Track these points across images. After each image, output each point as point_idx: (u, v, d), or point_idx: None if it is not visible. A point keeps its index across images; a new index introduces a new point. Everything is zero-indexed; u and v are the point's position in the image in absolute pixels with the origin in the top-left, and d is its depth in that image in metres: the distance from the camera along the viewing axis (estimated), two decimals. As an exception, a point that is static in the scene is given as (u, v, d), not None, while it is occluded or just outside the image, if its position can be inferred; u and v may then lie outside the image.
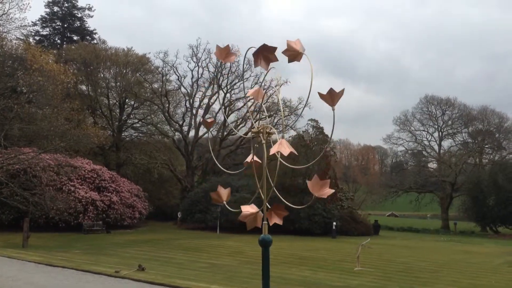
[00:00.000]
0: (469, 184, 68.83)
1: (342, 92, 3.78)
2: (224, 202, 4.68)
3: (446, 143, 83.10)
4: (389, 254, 30.33)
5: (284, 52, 3.99)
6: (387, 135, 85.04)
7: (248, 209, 4.55)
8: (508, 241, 52.95)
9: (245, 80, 60.36)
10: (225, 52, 4.42)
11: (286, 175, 48.45)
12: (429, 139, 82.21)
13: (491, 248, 40.87)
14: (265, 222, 4.50)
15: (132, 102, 57.89)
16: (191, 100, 60.54)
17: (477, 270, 24.21)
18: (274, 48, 3.96)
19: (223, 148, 61.48)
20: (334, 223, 44.60)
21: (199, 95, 61.56)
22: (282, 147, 3.94)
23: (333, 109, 3.78)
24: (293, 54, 3.98)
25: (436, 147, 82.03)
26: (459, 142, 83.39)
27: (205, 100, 61.44)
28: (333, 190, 3.86)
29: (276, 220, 4.17)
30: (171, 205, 57.55)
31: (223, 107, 60.78)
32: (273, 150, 4.02)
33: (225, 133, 61.15)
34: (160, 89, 57.33)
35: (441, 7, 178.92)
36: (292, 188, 47.84)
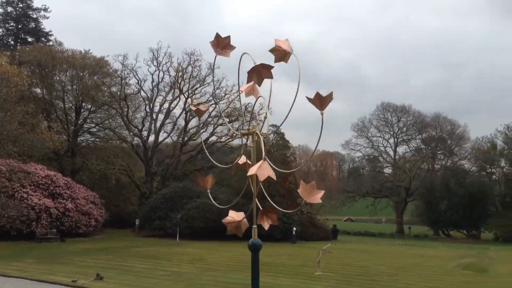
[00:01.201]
0: (423, 189, 71.23)
1: (330, 95, 3.76)
2: (208, 190, 4.67)
3: (401, 149, 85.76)
4: (348, 258, 30.86)
5: (271, 51, 3.95)
6: (346, 141, 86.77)
7: (234, 215, 4.52)
8: (459, 244, 54.99)
9: (206, 85, 60.10)
10: (223, 43, 4.29)
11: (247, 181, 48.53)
12: (385, 145, 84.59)
13: (444, 251, 42.31)
14: (254, 226, 4.48)
15: (89, 106, 56.35)
16: (151, 105, 59.68)
17: (432, 274, 24.99)
18: (271, 67, 3.90)
19: (183, 153, 60.88)
20: (294, 228, 44.94)
21: (159, 99, 60.84)
22: (261, 170, 3.91)
23: (322, 113, 3.78)
24: (280, 54, 3.95)
25: (391, 153, 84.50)
26: (413, 148, 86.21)
27: (166, 105, 60.78)
28: (322, 192, 3.88)
29: (264, 223, 4.12)
30: (128, 212, 56.33)
31: (184, 112, 60.31)
32: (251, 172, 3.99)
33: (186, 139, 60.60)
34: (118, 93, 56.20)
35: (400, 16, 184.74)
36: (252, 194, 47.95)
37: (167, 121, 61.53)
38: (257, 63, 3.90)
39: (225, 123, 59.86)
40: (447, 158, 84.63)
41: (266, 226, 4.10)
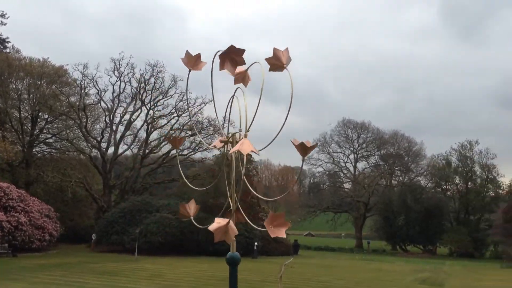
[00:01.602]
0: (381, 204, 72.69)
1: (314, 146, 3.74)
2: (192, 217, 4.44)
3: (360, 165, 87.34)
4: (309, 273, 30.87)
5: (268, 60, 3.83)
6: (307, 156, 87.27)
7: (219, 220, 4.32)
8: (416, 259, 56.26)
9: (169, 97, 59.44)
10: (194, 60, 4.17)
11: (209, 195, 48.03)
12: (345, 160, 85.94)
13: (402, 266, 43.10)
14: (234, 239, 4.28)
15: (46, 116, 54.46)
16: (111, 116, 58.34)
17: (391, 288, 25.33)
18: (242, 51, 3.77)
19: (144, 166, 59.71)
20: (256, 243, 44.70)
21: (120, 110, 59.59)
22: (243, 146, 3.75)
23: (303, 160, 3.77)
24: (277, 65, 3.84)
25: (351, 169, 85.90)
26: (372, 164, 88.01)
27: (127, 116, 59.60)
28: (287, 225, 3.76)
29: (279, 233, 3.85)
30: (84, 226, 54.50)
31: (145, 124, 59.32)
32: (233, 149, 3.84)
33: (147, 151, 59.52)
34: (77, 103, 54.64)
35: (358, 38, 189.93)
36: (215, 208, 47.43)
37: (128, 132, 60.34)
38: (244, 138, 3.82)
39: (188, 136, 59.30)
40: (404, 175, 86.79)
41: (282, 234, 3.90)
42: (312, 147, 3.70)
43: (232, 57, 3.84)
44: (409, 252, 68.22)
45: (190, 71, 4.31)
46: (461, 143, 71.75)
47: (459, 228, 65.00)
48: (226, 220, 4.23)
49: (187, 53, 4.17)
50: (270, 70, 3.88)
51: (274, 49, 3.79)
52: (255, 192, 5.04)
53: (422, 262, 49.66)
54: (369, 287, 25.33)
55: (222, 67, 3.93)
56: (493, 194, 69.10)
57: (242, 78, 4.02)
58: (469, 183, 69.41)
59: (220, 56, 3.88)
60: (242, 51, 3.80)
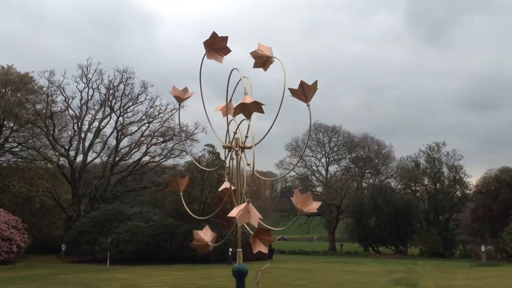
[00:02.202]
0: (353, 207, 73.44)
1: (315, 84, 3.53)
2: (181, 193, 4.28)
3: (332, 168, 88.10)
4: (285, 278, 30.80)
5: (252, 54, 3.73)
6: (280, 161, 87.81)
7: (201, 235, 4.14)
8: (388, 260, 57.05)
9: (139, 103, 58.63)
10: (218, 44, 4.01)
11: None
12: (317, 164, 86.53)
13: (375, 267, 43.57)
14: (239, 249, 4.13)
15: (12, 124, 52.81)
16: (79, 123, 57.13)
17: (367, 290, 25.54)
18: (225, 38, 3.67)
19: (114, 174, 58.60)
20: (231, 249, 44.39)
21: (88, 118, 58.49)
22: (251, 216, 3.60)
23: (308, 105, 3.54)
24: (261, 60, 3.73)
25: (323, 172, 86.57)
26: (343, 167, 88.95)
27: (95, 124, 58.51)
28: (319, 203, 3.63)
29: (261, 247, 3.73)
30: (53, 237, 53.04)
31: (115, 131, 58.32)
32: (240, 222, 3.61)
33: (117, 159, 58.48)
34: (44, 111, 53.22)
35: (327, 42, 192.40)
36: (187, 215, 46.94)
37: (97, 140, 59.23)
38: (246, 97, 3.65)
39: (159, 142, 58.61)
40: (374, 177, 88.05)
41: (254, 250, 3.75)
42: (314, 87, 3.51)
43: (216, 45, 3.76)
44: (381, 253, 69.16)
45: (180, 105, 4.36)
46: (429, 145, 73.30)
47: (429, 228, 66.28)
48: (209, 236, 4.11)
49: (174, 88, 4.18)
50: (254, 67, 3.80)
51: (259, 44, 3.73)
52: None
53: (395, 263, 50.38)
54: (345, 290, 25.47)
55: (209, 56, 3.85)
56: (460, 194, 70.86)
57: (263, 63, 3.85)
58: (438, 184, 70.87)
59: (204, 43, 3.78)
60: (225, 38, 3.72)
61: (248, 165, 3.99)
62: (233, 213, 3.54)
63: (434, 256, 60.62)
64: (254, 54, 3.74)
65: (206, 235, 4.14)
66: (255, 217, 3.55)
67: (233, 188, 4.54)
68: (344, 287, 27.08)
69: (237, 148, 4.21)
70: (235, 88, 4.18)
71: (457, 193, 71.05)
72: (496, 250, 56.68)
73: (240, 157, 4.27)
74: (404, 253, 68.39)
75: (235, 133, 4.27)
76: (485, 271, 38.82)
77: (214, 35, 3.81)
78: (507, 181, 60.06)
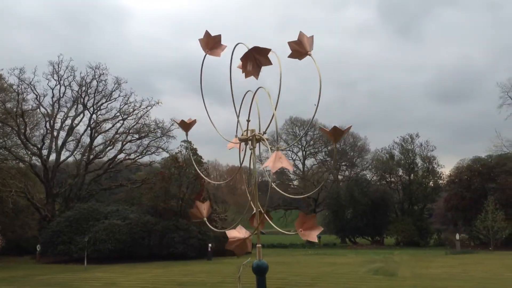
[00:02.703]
0: (330, 199, 74.26)
1: (348, 129, 3.45)
2: (205, 218, 4.07)
3: (309, 162, 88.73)
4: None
5: (290, 44, 3.55)
6: (256, 155, 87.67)
7: (235, 233, 3.98)
8: (366, 250, 57.90)
9: (113, 100, 57.69)
10: (213, 42, 3.79)
11: (159, 198, 47.16)
12: (294, 158, 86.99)
13: (353, 258, 44.15)
14: (259, 245, 3.98)
15: (-19, 124, 51.27)
16: (51, 121, 55.92)
17: (347, 281, 25.79)
18: (268, 50, 3.42)
19: (88, 172, 57.59)
20: (210, 245, 44.29)
21: (60, 115, 57.28)
22: (282, 161, 3.45)
23: (310, 54, 3.43)
24: (299, 51, 3.56)
25: (300, 166, 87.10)
26: (320, 160, 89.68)
27: (68, 121, 57.35)
28: (320, 229, 3.51)
29: (311, 237, 3.57)
30: (27, 237, 51.92)
31: (89, 128, 57.27)
32: (274, 167, 3.47)
33: (92, 157, 57.47)
34: (15, 109, 51.81)
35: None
36: (165, 212, 46.63)
37: (70, 138, 58.12)
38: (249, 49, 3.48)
39: (134, 139, 57.85)
40: (350, 169, 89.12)
41: (314, 238, 3.60)
42: (346, 131, 3.41)
43: (256, 57, 3.53)
44: (358, 244, 70.13)
45: (205, 55, 3.91)
46: (402, 137, 74.64)
47: (404, 218, 67.57)
48: (243, 232, 3.95)
49: (207, 33, 3.76)
50: (289, 56, 3.64)
51: (300, 32, 3.54)
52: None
53: (372, 253, 51.14)
54: (326, 281, 25.66)
55: (244, 69, 3.63)
56: (433, 185, 72.40)
57: (299, 55, 3.65)
58: (412, 174, 72.29)
59: (242, 58, 3.58)
60: (267, 50, 3.47)
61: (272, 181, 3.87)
62: (269, 164, 3.36)
63: (410, 245, 61.82)
64: (293, 46, 3.56)
65: (240, 232, 3.98)
66: (288, 162, 3.43)
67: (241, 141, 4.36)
68: (324, 278, 27.29)
69: (256, 136, 4.07)
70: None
71: (430, 183, 72.62)
72: (470, 238, 58.17)
73: (254, 149, 4.14)
74: (380, 243, 69.52)
75: (248, 121, 4.14)
76: (460, 259, 39.78)
77: (207, 34, 3.72)
78: (479, 171, 61.61)
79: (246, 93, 4.19)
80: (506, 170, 57.41)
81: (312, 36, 3.59)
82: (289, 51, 3.64)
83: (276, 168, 3.36)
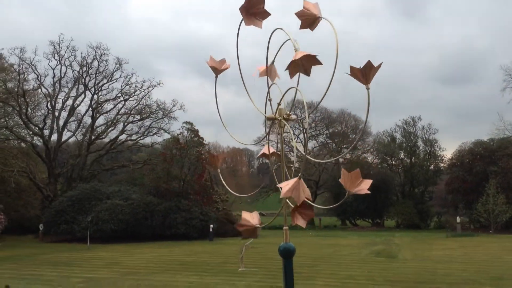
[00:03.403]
0: (331, 182, 74.38)
1: (379, 66, 3.20)
2: (258, 225, 3.94)
3: (310, 144, 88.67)
4: (269, 253, 31.03)
5: (297, 14, 3.43)
6: (258, 137, 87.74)
7: (248, 217, 3.88)
8: (367, 232, 58.26)
9: (114, 81, 57.38)
10: (220, 64, 3.84)
11: (161, 179, 47.23)
12: (296, 140, 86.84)
13: (355, 240, 44.42)
14: (286, 227, 3.88)
15: (-18, 104, 51.07)
16: (53, 102, 55.71)
17: (349, 262, 25.99)
18: (315, 56, 3.24)
19: (90, 153, 57.63)
20: (212, 226, 44.53)
21: (62, 96, 57.08)
22: (305, 191, 3.33)
23: (368, 88, 3.22)
24: (309, 20, 3.43)
25: (301, 148, 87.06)
26: (321, 143, 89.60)
27: (69, 102, 57.17)
28: (369, 182, 3.35)
29: (300, 221, 3.50)
30: (30, 217, 52.15)
31: (90, 109, 57.10)
32: (299, 199, 3.30)
33: (93, 137, 57.43)
34: (16, 89, 51.54)
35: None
36: (167, 193, 46.75)
37: (71, 119, 58.00)
38: (297, 53, 3.29)
39: (136, 120, 57.72)
40: (351, 152, 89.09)
41: (303, 223, 3.51)
42: (377, 68, 3.18)
43: (253, 9, 3.49)
44: (359, 226, 70.52)
45: (217, 76, 3.98)
46: (404, 120, 74.36)
47: (405, 201, 67.81)
48: (256, 218, 3.85)
49: (211, 58, 3.84)
50: (301, 27, 3.51)
51: (305, 2, 3.41)
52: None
53: (373, 235, 51.43)
54: (328, 263, 25.85)
55: (247, 22, 3.56)
56: (434, 168, 72.51)
57: (310, 23, 3.51)
58: (413, 157, 72.27)
59: (241, 9, 3.50)
60: (262, 0, 3.44)
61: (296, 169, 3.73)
62: (284, 191, 3.23)
63: (410, 228, 62.13)
64: (300, 13, 3.44)
65: (254, 218, 3.88)
66: (308, 192, 3.32)
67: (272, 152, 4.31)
68: (326, 260, 27.50)
69: (281, 118, 3.95)
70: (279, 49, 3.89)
71: (431, 166, 72.69)
72: (470, 221, 58.40)
73: (283, 129, 4.02)
74: (381, 225, 69.90)
75: (279, 104, 4.03)
76: (460, 242, 39.99)
77: (212, 59, 3.68)
78: (481, 154, 61.50)
79: (271, 85, 4.12)
80: (508, 153, 57.28)
81: (317, 3, 3.46)
82: (290, 34, 3.53)
83: (300, 201, 3.25)
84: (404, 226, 64.32)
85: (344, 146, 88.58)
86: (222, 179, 4.46)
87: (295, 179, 3.28)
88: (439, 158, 72.02)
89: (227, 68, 4.01)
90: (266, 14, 3.57)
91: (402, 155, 74.03)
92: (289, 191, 3.20)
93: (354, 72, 3.17)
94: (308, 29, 3.54)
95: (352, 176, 3.25)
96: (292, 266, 3.76)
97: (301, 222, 3.49)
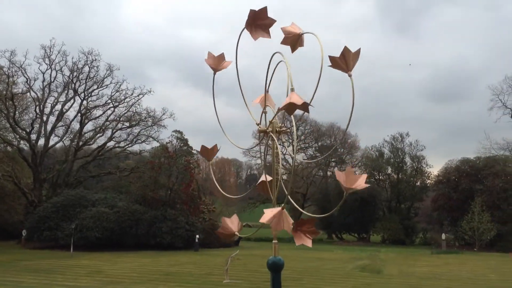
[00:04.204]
0: (318, 195, 74.54)
1: (358, 52, 3.26)
2: (237, 233, 3.92)
3: (299, 157, 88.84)
4: (252, 265, 30.91)
5: (283, 43, 3.50)
6: (247, 148, 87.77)
7: (228, 222, 3.87)
8: (352, 247, 58.27)
9: (104, 87, 57.11)
10: (218, 60, 3.83)
11: (148, 188, 46.93)
12: (284, 152, 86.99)
13: (340, 254, 44.42)
14: (275, 241, 3.86)
15: (-31, 106, 50.46)
16: (41, 106, 55.19)
17: (333, 276, 25.94)
18: (265, 10, 3.35)
19: (77, 159, 57.07)
20: (197, 236, 44.24)
21: (51, 100, 56.57)
22: (294, 97, 3.33)
23: (350, 75, 3.28)
24: (293, 39, 3.50)
25: (290, 161, 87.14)
26: (310, 156, 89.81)
27: (58, 107, 56.67)
28: (364, 177, 3.35)
29: (306, 241, 3.47)
30: (13, 222, 51.45)
31: (79, 114, 56.67)
32: (283, 104, 3.34)
33: (81, 143, 56.93)
34: (4, 92, 51.01)
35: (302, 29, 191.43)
36: (154, 201, 46.44)
37: (59, 124, 57.46)
38: (293, 93, 3.38)
39: (125, 127, 57.39)
40: (339, 166, 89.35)
41: (309, 243, 3.48)
42: (356, 54, 3.24)
43: (258, 22, 3.53)
44: (345, 240, 70.57)
45: (215, 73, 3.99)
46: (393, 135, 75.07)
47: (391, 216, 68.10)
48: (236, 224, 3.85)
49: (210, 54, 3.83)
50: (292, 51, 3.57)
51: (282, 28, 3.52)
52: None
53: (358, 250, 51.49)
54: (313, 276, 25.77)
55: (254, 36, 3.61)
56: (420, 184, 73.08)
57: (293, 42, 3.59)
58: (400, 173, 72.81)
59: (246, 24, 3.54)
60: (265, 10, 3.48)
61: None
62: (265, 218, 3.26)
63: (396, 243, 62.33)
64: (285, 42, 3.52)
65: (233, 223, 3.87)
66: (288, 224, 3.33)
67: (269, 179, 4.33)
68: (311, 273, 27.41)
69: (272, 131, 3.98)
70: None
71: (418, 182, 73.24)
72: (455, 238, 58.77)
73: (276, 142, 4.06)
74: (366, 240, 70.01)
75: (271, 121, 4.07)
76: (445, 259, 40.18)
77: (264, 10, 3.60)
78: (467, 172, 62.16)
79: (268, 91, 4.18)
80: (494, 172, 57.98)
81: (293, 22, 3.55)
82: (283, 46, 3.60)
83: (278, 230, 3.26)
84: (389, 241, 64.51)
85: (333, 159, 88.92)
86: (212, 174, 4.49)
87: (279, 208, 3.31)
88: (426, 174, 72.64)
89: (227, 66, 4.01)
90: (271, 22, 3.62)
91: (389, 170, 74.56)
92: (269, 219, 3.23)
93: (335, 62, 3.25)
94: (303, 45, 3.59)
95: (347, 174, 3.27)
96: (280, 280, 3.76)
97: (306, 241, 3.47)
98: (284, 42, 3.60)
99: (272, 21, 3.58)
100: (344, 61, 3.22)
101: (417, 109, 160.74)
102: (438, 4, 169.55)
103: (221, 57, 3.98)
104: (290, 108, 3.31)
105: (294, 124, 3.76)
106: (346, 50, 3.21)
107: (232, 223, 3.87)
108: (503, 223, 54.49)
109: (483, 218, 53.05)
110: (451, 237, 59.43)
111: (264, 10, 3.49)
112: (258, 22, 3.57)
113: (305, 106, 3.26)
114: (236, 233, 3.82)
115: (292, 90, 3.46)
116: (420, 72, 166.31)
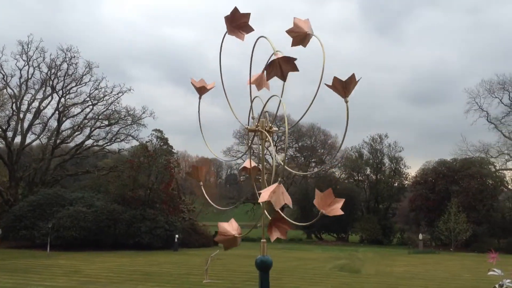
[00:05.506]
0: (298, 195, 74.84)
1: (353, 78, 3.25)
2: (201, 183, 3.90)
3: (279, 157, 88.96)
4: (232, 265, 30.93)
5: (288, 32, 3.44)
6: (227, 148, 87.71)
7: (226, 227, 3.80)
8: (331, 247, 58.76)
9: (83, 84, 56.32)
10: (240, 21, 3.67)
11: (127, 187, 46.48)
12: (265, 152, 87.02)
13: (319, 254, 44.74)
14: (263, 240, 3.83)
15: None
16: (18, 103, 54.08)
17: (313, 276, 26.12)
18: (294, 59, 3.26)
19: (55, 157, 56.12)
20: (177, 236, 44.00)
21: (28, 97, 55.50)
22: (285, 197, 3.30)
23: (346, 101, 3.28)
24: (299, 37, 3.45)
25: (271, 161, 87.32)
26: (289, 156, 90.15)
27: (35, 104, 55.65)
28: (342, 201, 3.36)
29: (278, 235, 3.46)
30: (-12, 221, 50.25)
31: (56, 112, 55.74)
32: (262, 198, 3.24)
33: (58, 141, 56.01)
34: (-21, 89, 49.99)
35: (278, 29, 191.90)
36: (132, 201, 46.00)
37: (36, 121, 56.42)
38: (277, 54, 3.33)
39: (103, 126, 56.68)
40: (318, 166, 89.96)
41: (273, 237, 3.48)
42: (353, 81, 3.24)
43: (237, 22, 3.52)
44: (324, 240, 71.04)
45: (200, 97, 3.97)
46: (372, 137, 75.90)
47: (369, 216, 68.78)
48: (236, 228, 3.79)
49: (235, 9, 3.65)
50: (292, 45, 3.51)
51: (295, 19, 3.44)
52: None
53: (337, 249, 51.97)
54: (292, 276, 25.89)
55: (230, 32, 3.60)
56: (397, 185, 74.05)
57: (301, 40, 3.53)
58: (379, 174, 73.64)
59: (225, 19, 3.53)
60: (247, 15, 3.48)
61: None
62: (264, 197, 3.19)
63: (374, 243, 63.04)
64: (291, 30, 3.46)
65: (232, 227, 3.79)
66: (289, 198, 3.31)
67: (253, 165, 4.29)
68: (291, 272, 27.53)
69: (263, 130, 3.96)
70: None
71: (396, 183, 74.20)
72: (431, 238, 59.76)
73: (265, 141, 4.04)
74: (345, 240, 70.63)
75: (259, 115, 4.05)
76: (422, 258, 40.86)
77: (235, 10, 3.55)
78: (444, 173, 63.22)
79: (255, 99, 4.17)
80: (470, 174, 59.12)
81: (308, 19, 3.51)
82: (266, 47, 3.59)
83: (280, 205, 3.22)
84: (367, 241, 65.20)
85: (313, 160, 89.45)
86: (204, 192, 4.44)
87: (275, 184, 3.28)
88: (404, 175, 73.64)
89: (211, 88, 4.04)
90: (249, 29, 3.61)
91: (368, 171, 75.29)
92: (269, 195, 3.18)
93: (335, 84, 3.24)
94: (290, 45, 3.58)
95: (325, 196, 3.27)
96: (268, 279, 3.76)
97: (278, 234, 3.48)
98: (290, 31, 3.49)
99: (250, 29, 3.59)
100: (346, 87, 3.23)
101: (396, 111, 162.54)
102: (420, 7, 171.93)
103: (202, 81, 4.05)
104: (273, 67, 3.26)
105: (286, 123, 3.75)
106: (352, 77, 3.23)
107: (231, 226, 3.81)
108: (478, 223, 55.64)
109: (459, 219, 54.06)
110: (428, 237, 60.42)
111: (235, 11, 3.50)
112: (237, 23, 3.57)
113: (287, 61, 3.23)
114: (237, 236, 3.77)
115: (276, 52, 3.41)
116: (400, 74, 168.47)
